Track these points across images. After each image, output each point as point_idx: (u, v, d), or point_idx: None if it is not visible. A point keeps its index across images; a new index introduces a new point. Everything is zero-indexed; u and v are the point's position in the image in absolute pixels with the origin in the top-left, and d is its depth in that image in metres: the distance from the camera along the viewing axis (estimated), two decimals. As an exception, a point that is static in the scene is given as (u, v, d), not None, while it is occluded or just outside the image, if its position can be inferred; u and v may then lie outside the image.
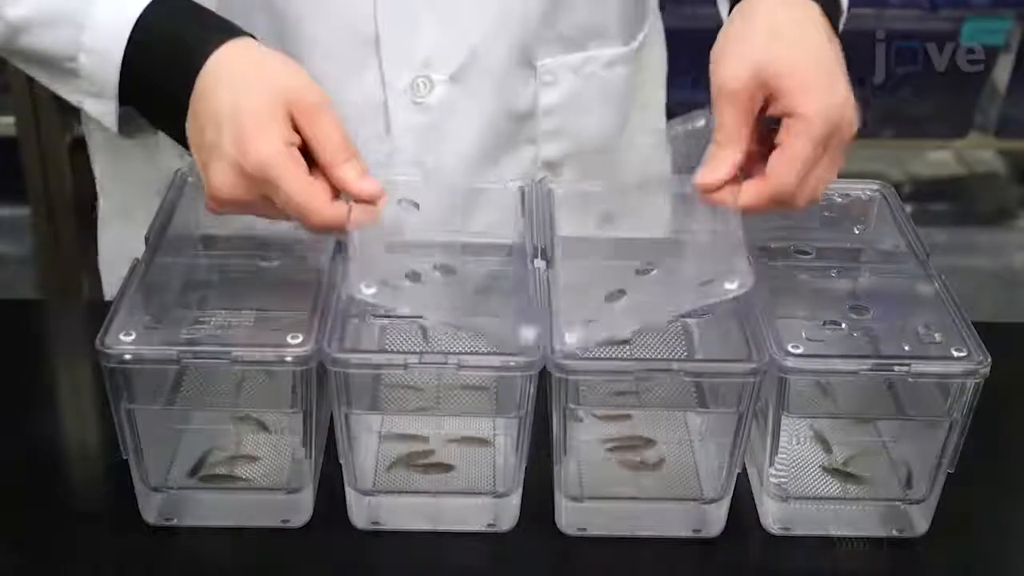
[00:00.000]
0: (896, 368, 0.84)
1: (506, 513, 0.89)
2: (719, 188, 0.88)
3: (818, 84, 0.87)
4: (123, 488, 0.88)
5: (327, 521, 0.89)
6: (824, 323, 0.97)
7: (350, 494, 0.88)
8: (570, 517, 0.89)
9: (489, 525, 0.89)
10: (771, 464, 0.88)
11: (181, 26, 0.91)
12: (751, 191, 0.88)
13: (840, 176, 0.96)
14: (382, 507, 0.89)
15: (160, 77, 0.90)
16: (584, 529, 0.89)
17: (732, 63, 0.88)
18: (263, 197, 0.85)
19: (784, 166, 0.87)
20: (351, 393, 0.84)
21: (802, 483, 0.92)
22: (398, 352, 0.94)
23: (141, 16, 0.91)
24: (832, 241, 1.02)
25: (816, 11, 0.92)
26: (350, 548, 0.88)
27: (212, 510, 0.90)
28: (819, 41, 0.90)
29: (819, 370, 0.88)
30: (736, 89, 0.87)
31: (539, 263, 0.92)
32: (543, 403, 0.86)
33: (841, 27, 0.98)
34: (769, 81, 0.87)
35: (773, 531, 0.90)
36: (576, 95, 1.13)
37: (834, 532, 0.90)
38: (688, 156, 0.93)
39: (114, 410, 0.84)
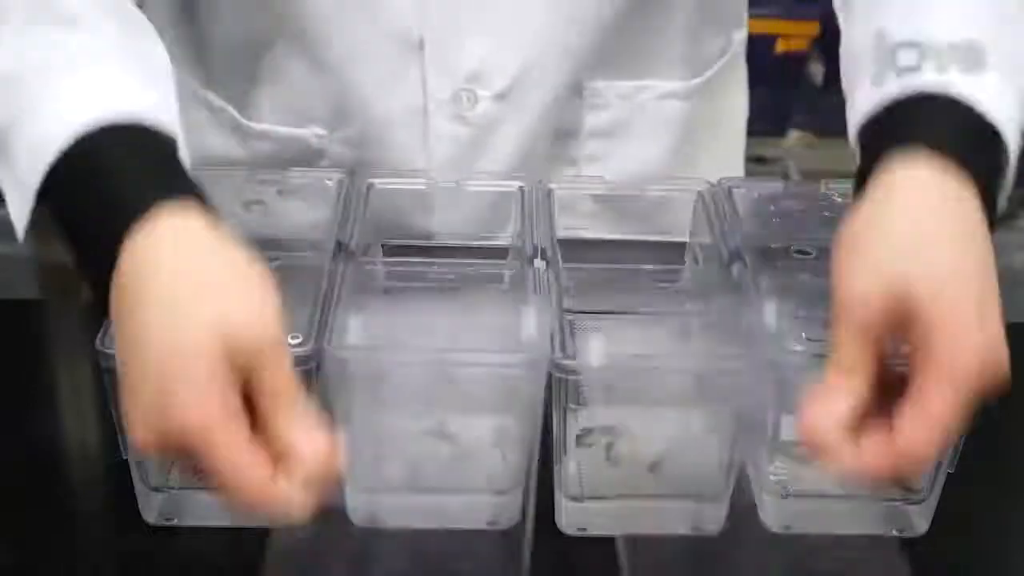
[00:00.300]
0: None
1: (506, 512, 0.89)
2: (827, 433, 0.69)
3: (970, 317, 0.67)
4: (123, 488, 0.88)
5: (327, 521, 0.89)
6: (824, 323, 0.97)
7: (350, 494, 0.88)
8: (570, 517, 0.89)
9: (489, 524, 0.89)
10: (771, 463, 0.88)
11: (126, 160, 0.74)
12: (872, 451, 0.67)
13: (840, 175, 0.96)
14: (382, 506, 0.89)
15: (82, 214, 0.74)
16: (584, 529, 0.89)
17: (862, 270, 0.70)
18: (187, 456, 0.67)
19: (919, 425, 0.67)
20: (351, 393, 0.84)
21: (802, 482, 0.92)
22: (398, 352, 0.94)
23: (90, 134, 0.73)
24: (832, 241, 1.02)
25: (972, 198, 0.72)
26: (350, 548, 0.88)
27: (212, 510, 0.89)
28: (974, 250, 0.71)
29: (819, 370, 0.88)
30: (865, 306, 0.69)
31: (539, 263, 0.92)
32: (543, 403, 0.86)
33: (999, 209, 0.77)
34: (906, 301, 0.68)
35: (773, 529, 0.90)
36: (624, 122, 1.11)
37: (834, 531, 0.90)
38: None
39: (114, 410, 0.84)
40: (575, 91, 1.09)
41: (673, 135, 1.13)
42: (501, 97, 1.06)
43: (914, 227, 0.70)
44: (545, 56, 1.06)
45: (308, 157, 1.11)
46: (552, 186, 1.01)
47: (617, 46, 1.07)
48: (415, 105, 1.06)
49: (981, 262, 0.70)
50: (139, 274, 0.69)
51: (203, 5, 1.04)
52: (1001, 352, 0.68)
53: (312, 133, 1.09)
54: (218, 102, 1.14)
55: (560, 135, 1.10)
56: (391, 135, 1.07)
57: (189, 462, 0.67)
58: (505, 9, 1.03)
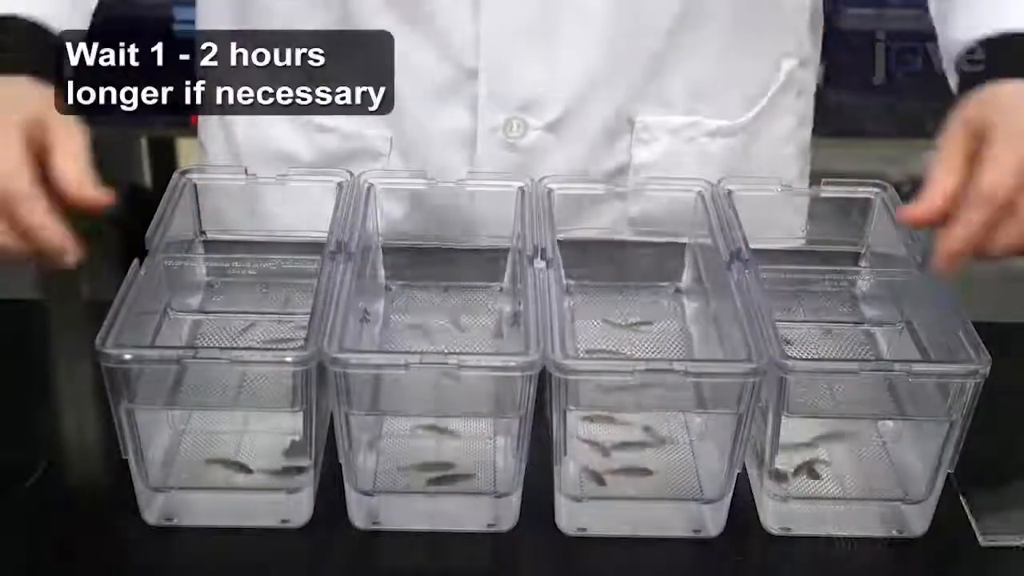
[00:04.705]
0: (896, 368, 0.84)
1: (506, 513, 0.89)
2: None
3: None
4: (123, 488, 0.88)
5: (327, 521, 0.89)
6: (824, 324, 0.97)
7: (350, 494, 0.88)
8: (570, 517, 0.89)
9: (489, 525, 0.89)
10: (771, 464, 0.88)
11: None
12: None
13: (840, 176, 0.96)
14: (382, 507, 0.89)
15: None
16: (584, 529, 0.89)
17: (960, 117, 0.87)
18: None
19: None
20: (351, 393, 0.84)
21: (802, 483, 0.92)
22: (398, 352, 0.95)
23: None
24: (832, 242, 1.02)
25: None
26: (350, 548, 0.88)
27: (212, 510, 0.89)
28: None
29: (819, 370, 0.88)
30: (951, 131, 0.86)
31: (539, 263, 0.92)
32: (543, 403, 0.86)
33: None
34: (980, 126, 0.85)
35: (773, 531, 0.90)
36: (672, 158, 1.11)
37: (834, 532, 0.90)
38: None
39: (114, 410, 0.84)
40: (625, 125, 1.10)
41: (719, 169, 1.13)
42: (551, 128, 1.08)
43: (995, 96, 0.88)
44: (596, 89, 1.07)
45: (369, 157, 1.12)
46: (552, 186, 1.01)
47: (664, 81, 1.09)
48: (466, 129, 1.08)
49: None
50: None
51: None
52: None
53: (379, 134, 1.10)
54: None
55: (609, 171, 1.11)
56: (440, 154, 1.09)
57: None
58: (559, 42, 1.05)
